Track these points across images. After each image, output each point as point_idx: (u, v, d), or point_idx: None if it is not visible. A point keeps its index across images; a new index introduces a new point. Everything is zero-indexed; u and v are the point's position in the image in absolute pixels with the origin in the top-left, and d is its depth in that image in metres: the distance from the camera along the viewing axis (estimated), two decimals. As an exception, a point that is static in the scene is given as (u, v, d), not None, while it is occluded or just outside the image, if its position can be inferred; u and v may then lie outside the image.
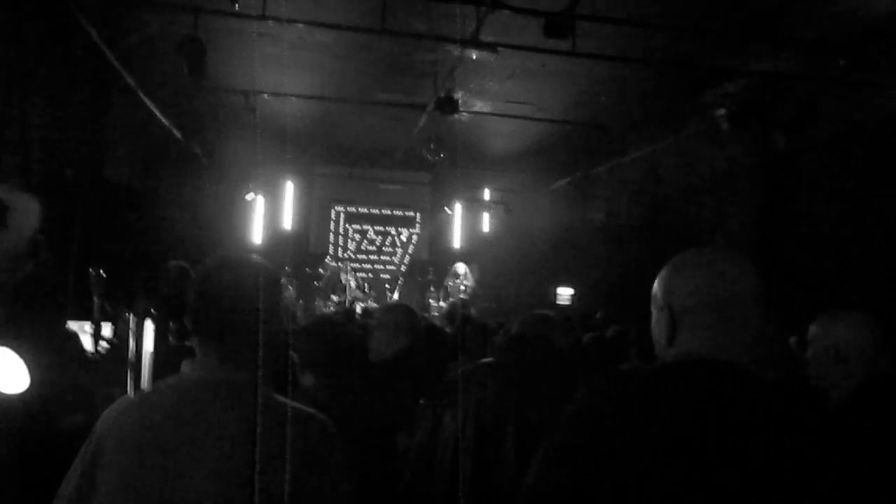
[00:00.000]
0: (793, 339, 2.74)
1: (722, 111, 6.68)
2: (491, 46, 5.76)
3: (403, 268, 11.70)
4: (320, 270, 10.07)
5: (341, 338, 2.69)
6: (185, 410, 1.37)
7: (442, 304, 9.52)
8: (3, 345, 1.90)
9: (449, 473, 1.68)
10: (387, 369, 2.29)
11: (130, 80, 6.30)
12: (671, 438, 0.98)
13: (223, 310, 1.44)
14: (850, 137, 6.43)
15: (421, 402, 2.03)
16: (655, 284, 1.17)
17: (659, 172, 9.26)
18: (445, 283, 10.10)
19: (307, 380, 2.33)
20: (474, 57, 6.42)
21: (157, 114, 7.44)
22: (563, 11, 5.24)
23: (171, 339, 2.78)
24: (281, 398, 1.43)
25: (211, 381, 1.41)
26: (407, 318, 2.57)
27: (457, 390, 1.72)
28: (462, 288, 9.89)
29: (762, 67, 6.51)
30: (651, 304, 1.18)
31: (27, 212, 4.07)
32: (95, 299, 2.87)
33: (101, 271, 2.88)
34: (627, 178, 9.91)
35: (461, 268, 10.19)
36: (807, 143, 6.57)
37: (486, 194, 11.97)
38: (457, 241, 11.72)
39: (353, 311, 7.87)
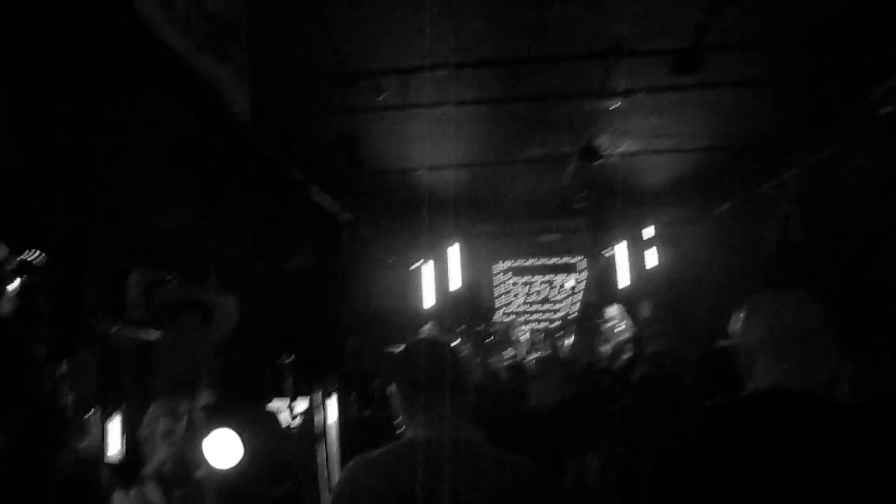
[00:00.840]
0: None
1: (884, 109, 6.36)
2: (621, 94, 5.91)
3: (572, 315, 11.77)
4: (490, 328, 10.40)
5: (503, 393, 2.95)
6: (424, 466, 1.58)
7: (606, 347, 9.50)
8: (220, 425, 2.31)
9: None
10: (545, 418, 2.50)
11: (300, 177, 7.03)
12: (747, 463, 1.13)
13: (442, 379, 1.70)
14: None
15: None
16: (731, 325, 1.32)
17: (828, 182, 8.80)
18: (601, 329, 10.06)
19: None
20: (609, 104, 6.58)
21: (328, 203, 8.19)
22: (688, 48, 5.31)
23: (353, 409, 3.14)
24: (495, 449, 1.65)
25: (442, 440, 1.60)
26: (560, 369, 2.76)
27: (599, 434, 1.90)
28: (620, 329, 9.80)
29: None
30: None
31: (227, 309, 4.71)
32: (289, 382, 3.30)
33: (292, 356, 3.32)
34: (795, 193, 9.50)
35: (613, 310, 10.13)
36: None
37: (648, 231, 11.85)
38: (623, 281, 11.64)
39: (522, 364, 8.08)
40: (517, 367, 7.31)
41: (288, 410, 3.22)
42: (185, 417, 2.51)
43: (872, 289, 7.87)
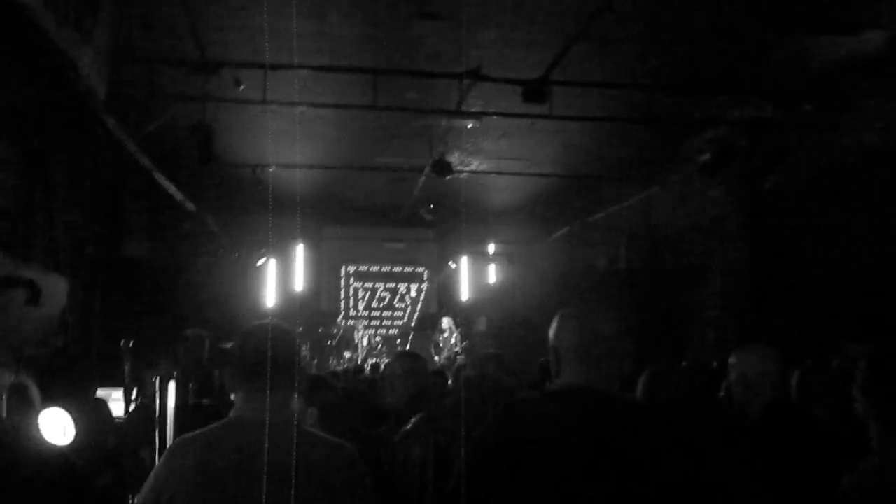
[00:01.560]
0: (795, 374, 2.98)
1: (703, 157, 7.09)
2: (474, 115, 6.22)
3: (413, 323, 12.05)
4: (333, 330, 10.45)
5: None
6: (241, 444, 1.70)
7: (437, 358, 9.86)
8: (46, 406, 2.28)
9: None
10: (400, 411, 2.63)
11: (146, 162, 6.79)
12: (546, 449, 1.34)
13: (266, 363, 1.78)
14: (824, 177, 6.81)
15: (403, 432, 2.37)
16: (549, 331, 1.54)
17: (652, 218, 9.64)
18: (435, 339, 10.43)
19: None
20: (464, 123, 6.88)
21: (172, 191, 7.94)
22: (538, 79, 5.70)
23: (190, 398, 3.14)
24: (314, 431, 1.77)
25: (261, 420, 1.70)
26: (416, 364, 2.89)
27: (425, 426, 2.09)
28: (453, 342, 10.22)
29: (734, 116, 6.91)
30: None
31: (56, 291, 4.51)
32: (126, 367, 3.24)
33: (130, 342, 3.26)
34: (623, 225, 10.31)
35: (445, 322, 10.55)
36: (786, 184, 6.96)
37: (491, 248, 12.37)
38: (464, 294, 12.08)
39: (361, 367, 8.22)
40: (356, 370, 7.43)
41: (123, 398, 3.16)
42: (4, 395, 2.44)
43: (678, 313, 8.72)
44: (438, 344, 10.37)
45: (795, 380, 2.83)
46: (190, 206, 8.78)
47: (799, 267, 7.09)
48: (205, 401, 2.83)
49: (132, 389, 3.23)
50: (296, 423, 1.73)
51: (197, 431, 1.78)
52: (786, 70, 6.25)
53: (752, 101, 6.79)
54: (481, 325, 10.86)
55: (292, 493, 1.60)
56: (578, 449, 1.32)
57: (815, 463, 1.90)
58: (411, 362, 2.84)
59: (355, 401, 3.14)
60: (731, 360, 2.28)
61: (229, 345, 3.76)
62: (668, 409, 1.87)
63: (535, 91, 5.71)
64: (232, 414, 1.80)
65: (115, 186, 7.33)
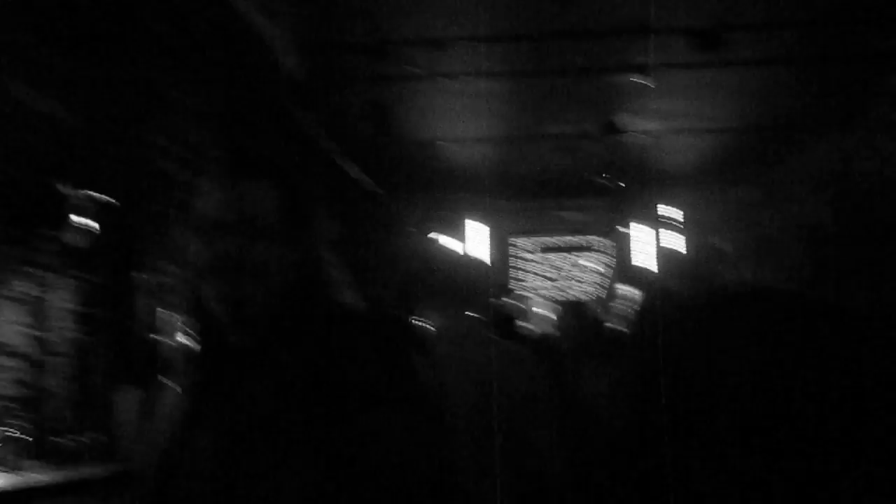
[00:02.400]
0: None
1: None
2: (640, 70, 6.03)
3: (595, 293, 11.92)
4: (503, 305, 10.55)
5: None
6: None
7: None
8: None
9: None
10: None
11: (328, 145, 7.23)
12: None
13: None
14: None
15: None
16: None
17: (849, 167, 8.86)
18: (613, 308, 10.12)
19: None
20: (633, 81, 6.69)
21: (353, 172, 8.40)
22: (710, 27, 5.42)
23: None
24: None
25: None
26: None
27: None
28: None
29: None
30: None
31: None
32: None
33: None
34: (817, 178, 9.55)
35: (627, 290, 10.20)
36: None
37: (670, 212, 11.92)
38: (645, 261, 11.74)
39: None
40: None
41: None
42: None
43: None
44: (619, 312, 10.15)
45: None
46: (369, 184, 9.23)
47: None
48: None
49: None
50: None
51: None
52: None
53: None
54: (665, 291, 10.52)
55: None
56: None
57: None
58: None
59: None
60: None
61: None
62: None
63: (706, 40, 5.44)
64: None
65: (301, 164, 7.85)
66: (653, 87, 6.98)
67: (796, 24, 5.77)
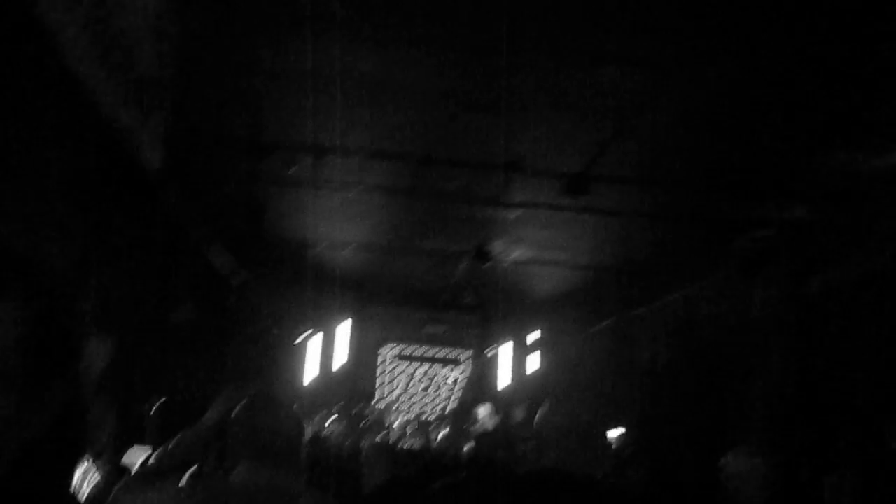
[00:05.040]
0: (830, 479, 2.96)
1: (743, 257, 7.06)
2: (515, 206, 6.36)
3: (449, 409, 11.96)
4: (365, 412, 10.43)
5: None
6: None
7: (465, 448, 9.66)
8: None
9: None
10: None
11: (198, 235, 7.08)
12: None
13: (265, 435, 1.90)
14: (870, 281, 6.68)
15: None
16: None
17: (694, 316, 9.52)
18: (466, 428, 10.22)
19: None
20: (506, 213, 7.02)
21: (222, 263, 8.22)
22: (580, 172, 5.82)
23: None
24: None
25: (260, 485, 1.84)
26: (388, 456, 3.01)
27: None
28: (486, 429, 10.00)
29: (776, 217, 6.90)
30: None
31: (102, 351, 4.65)
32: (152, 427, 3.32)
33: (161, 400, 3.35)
34: (666, 322, 10.18)
35: (482, 410, 10.36)
36: (831, 287, 6.85)
37: (532, 336, 12.30)
38: (503, 382, 11.97)
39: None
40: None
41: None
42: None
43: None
44: (468, 433, 10.20)
45: (828, 485, 2.81)
46: (237, 279, 9.04)
47: (844, 372, 6.88)
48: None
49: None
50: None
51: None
52: (830, 174, 6.26)
53: (795, 204, 6.80)
54: (519, 414, 10.70)
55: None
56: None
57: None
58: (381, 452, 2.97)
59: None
60: (722, 461, 2.31)
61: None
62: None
63: (576, 184, 5.82)
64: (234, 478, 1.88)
65: (169, 256, 7.62)
66: (519, 220, 7.37)
67: (658, 183, 6.29)
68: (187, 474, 1.99)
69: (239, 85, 5.02)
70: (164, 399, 3.40)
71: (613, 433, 10.74)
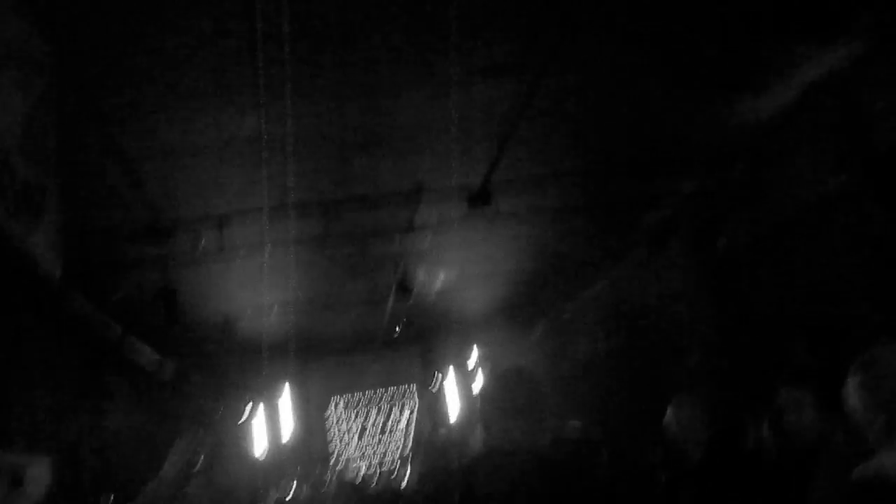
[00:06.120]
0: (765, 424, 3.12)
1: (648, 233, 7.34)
2: (425, 230, 6.45)
3: (409, 443, 11.88)
4: (325, 475, 10.25)
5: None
6: None
7: None
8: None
9: None
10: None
11: (118, 332, 6.88)
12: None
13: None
14: (767, 236, 7.03)
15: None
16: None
17: (621, 298, 9.79)
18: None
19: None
20: (420, 240, 7.09)
21: (149, 353, 7.99)
22: (480, 186, 5.97)
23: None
24: None
25: None
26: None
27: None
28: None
29: (673, 189, 7.22)
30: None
31: (40, 472, 4.49)
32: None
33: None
34: (598, 310, 10.44)
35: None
36: (732, 248, 7.20)
37: (474, 355, 12.37)
38: (455, 407, 11.98)
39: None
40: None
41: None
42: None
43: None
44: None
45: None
46: (167, 371, 8.80)
47: (759, 324, 7.18)
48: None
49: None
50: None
51: None
52: (715, 136, 6.59)
53: (690, 175, 7.12)
54: (479, 432, 10.71)
55: None
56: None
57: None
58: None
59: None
60: (667, 413, 2.44)
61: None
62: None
63: (478, 196, 5.96)
64: None
65: (90, 360, 7.36)
66: (440, 242, 7.45)
67: (556, 179, 6.49)
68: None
69: (126, 171, 4.95)
70: (112, 495, 3.30)
71: (570, 427, 10.91)
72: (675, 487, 2.15)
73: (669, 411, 2.43)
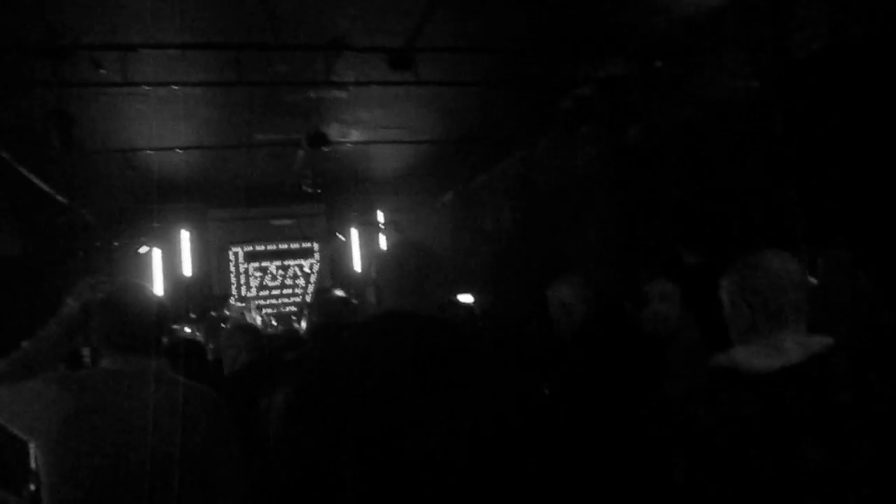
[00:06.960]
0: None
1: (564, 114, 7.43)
2: (341, 86, 6.29)
3: (308, 298, 12.07)
4: (225, 312, 10.33)
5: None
6: (108, 393, 1.88)
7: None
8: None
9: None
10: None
11: (6, 155, 6.54)
12: (367, 371, 1.53)
13: (129, 321, 1.93)
14: (680, 130, 7.26)
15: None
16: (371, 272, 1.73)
17: (530, 177, 10.00)
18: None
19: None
20: (337, 94, 6.93)
21: (39, 184, 7.65)
22: (403, 47, 5.82)
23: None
24: (177, 376, 1.95)
25: (126, 371, 1.92)
26: (248, 338, 3.13)
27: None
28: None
29: (593, 74, 7.26)
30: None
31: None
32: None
33: None
34: (507, 186, 10.64)
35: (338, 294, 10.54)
36: (645, 138, 7.40)
37: (380, 216, 12.49)
38: (357, 265, 12.19)
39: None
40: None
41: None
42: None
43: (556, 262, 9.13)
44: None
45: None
46: (61, 198, 8.48)
47: (654, 214, 7.54)
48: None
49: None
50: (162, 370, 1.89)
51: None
52: (637, 27, 6.61)
53: (610, 60, 7.16)
54: (371, 295, 10.98)
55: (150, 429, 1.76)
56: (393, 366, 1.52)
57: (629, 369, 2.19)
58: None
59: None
60: (549, 293, 2.61)
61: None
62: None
63: (400, 59, 5.83)
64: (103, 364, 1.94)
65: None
66: (353, 100, 7.30)
67: (481, 51, 6.39)
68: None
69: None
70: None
71: (463, 299, 11.34)
72: (549, 360, 2.35)
73: (553, 287, 2.60)
